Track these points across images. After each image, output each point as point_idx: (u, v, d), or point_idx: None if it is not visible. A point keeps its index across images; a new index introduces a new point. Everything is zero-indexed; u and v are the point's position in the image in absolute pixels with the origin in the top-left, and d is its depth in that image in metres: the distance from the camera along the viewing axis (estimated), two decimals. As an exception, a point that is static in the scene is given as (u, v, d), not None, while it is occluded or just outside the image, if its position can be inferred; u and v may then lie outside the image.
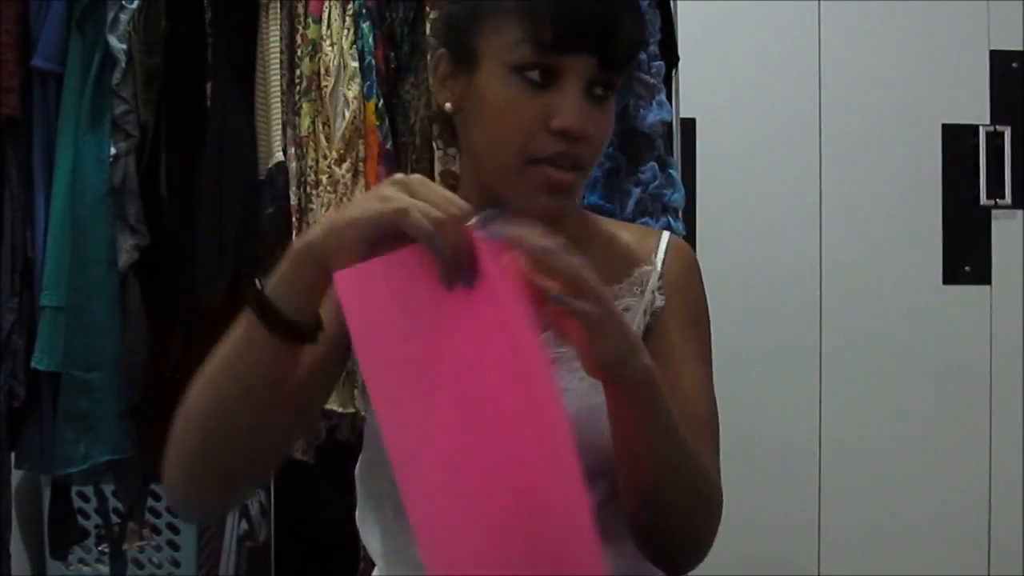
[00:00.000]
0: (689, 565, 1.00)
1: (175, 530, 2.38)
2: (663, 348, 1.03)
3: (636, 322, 1.04)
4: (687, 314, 1.07)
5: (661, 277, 1.07)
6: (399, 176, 0.83)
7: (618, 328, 0.84)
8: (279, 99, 1.71)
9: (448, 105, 1.01)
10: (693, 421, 0.98)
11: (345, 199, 1.68)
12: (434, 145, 1.70)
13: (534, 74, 0.93)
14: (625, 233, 1.12)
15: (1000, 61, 2.79)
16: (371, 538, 1.08)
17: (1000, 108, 2.79)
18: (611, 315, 0.83)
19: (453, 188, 0.99)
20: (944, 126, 2.79)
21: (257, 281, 0.86)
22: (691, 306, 1.08)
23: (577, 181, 0.97)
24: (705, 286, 1.10)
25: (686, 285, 1.08)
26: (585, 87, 0.94)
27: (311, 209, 1.68)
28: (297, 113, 1.71)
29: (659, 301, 1.06)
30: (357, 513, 1.10)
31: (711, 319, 1.10)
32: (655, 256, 1.08)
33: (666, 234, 1.12)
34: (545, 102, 0.93)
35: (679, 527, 0.96)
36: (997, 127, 2.78)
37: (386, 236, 0.80)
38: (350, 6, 1.71)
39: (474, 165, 1.02)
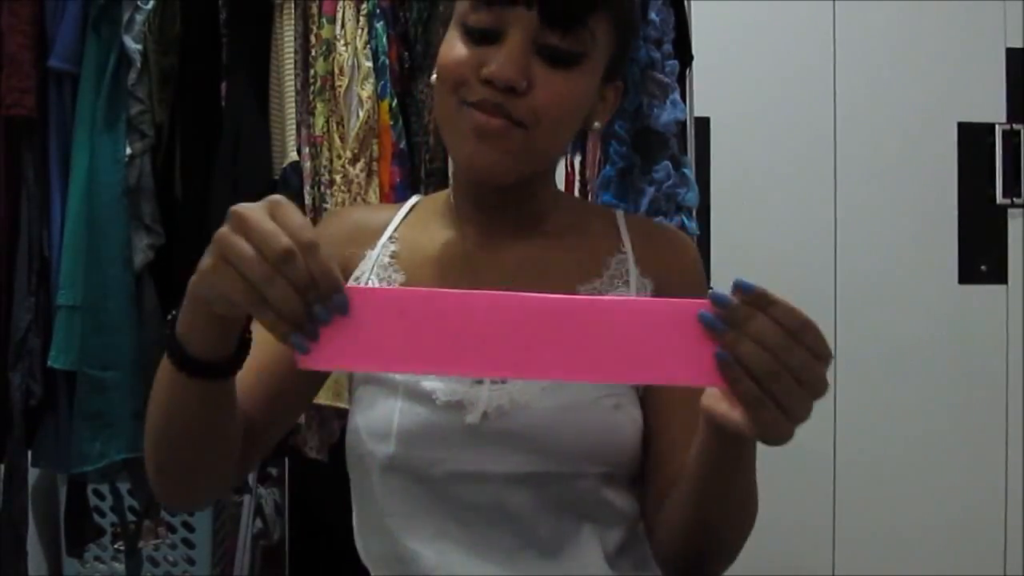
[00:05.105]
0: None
1: (190, 528, 2.39)
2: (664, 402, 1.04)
3: None
4: None
5: (637, 262, 1.06)
6: (217, 240, 0.75)
7: (786, 429, 0.74)
8: (293, 99, 1.71)
9: (434, 76, 1.03)
10: None
11: (359, 198, 1.68)
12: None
13: (475, 26, 0.95)
14: (588, 217, 1.12)
15: (1016, 59, 2.78)
16: (363, 541, 1.07)
17: (1016, 106, 2.78)
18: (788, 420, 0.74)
19: None
20: (960, 124, 2.78)
21: (170, 320, 0.84)
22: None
23: (505, 130, 0.95)
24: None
25: (683, 273, 1.07)
26: (530, 45, 0.94)
27: (325, 208, 1.69)
28: (311, 113, 1.71)
29: (648, 286, 1.05)
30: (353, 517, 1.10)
31: None
32: (622, 244, 1.08)
33: (619, 212, 1.12)
34: (484, 53, 0.94)
35: (724, 551, 0.98)
36: (1013, 125, 2.77)
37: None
38: (364, 6, 1.71)
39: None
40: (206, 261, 0.75)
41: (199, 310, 0.80)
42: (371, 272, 1.06)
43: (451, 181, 1.15)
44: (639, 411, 1.02)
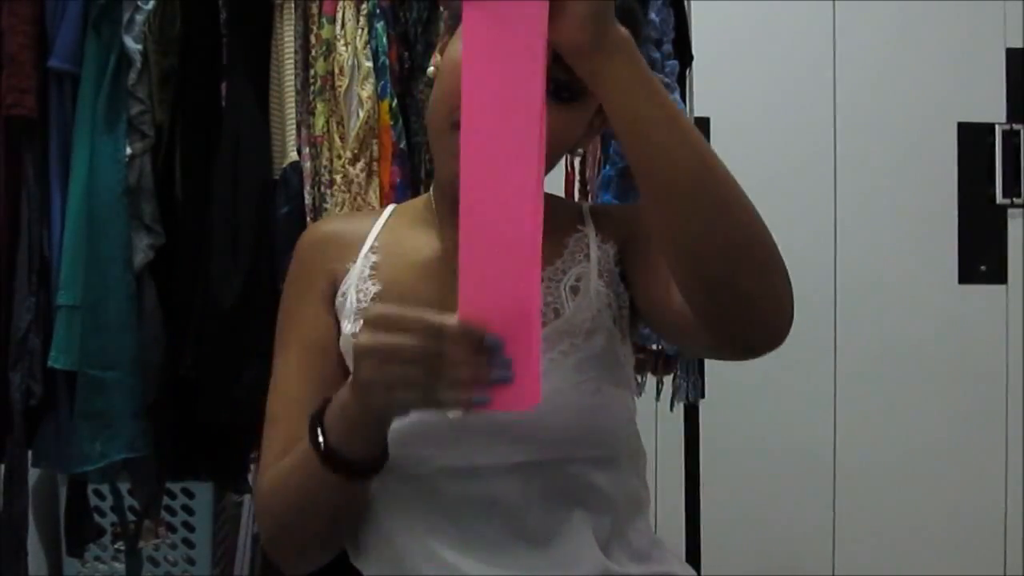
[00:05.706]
0: (760, 330, 0.92)
1: (190, 528, 2.39)
2: (644, 263, 1.05)
3: (592, 285, 1.06)
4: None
5: (598, 234, 1.09)
6: (369, 345, 0.82)
7: None
8: (293, 99, 1.71)
9: (431, 69, 1.04)
10: None
11: (359, 199, 1.68)
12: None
13: None
14: (556, 212, 1.12)
15: (1016, 59, 2.78)
16: (354, 544, 1.08)
17: (1016, 106, 2.78)
18: None
19: None
20: (960, 124, 2.78)
21: (319, 424, 0.92)
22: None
23: None
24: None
25: (646, 226, 1.06)
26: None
27: (325, 209, 1.69)
28: (311, 113, 1.71)
29: (611, 251, 1.08)
30: None
31: None
32: (583, 223, 1.11)
33: (586, 204, 1.15)
34: None
35: (737, 258, 0.90)
36: (1013, 125, 2.77)
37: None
38: (364, 6, 1.71)
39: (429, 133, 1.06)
40: (368, 373, 0.82)
41: (365, 422, 0.89)
42: (353, 286, 1.09)
43: (432, 186, 1.17)
44: (619, 391, 1.05)
